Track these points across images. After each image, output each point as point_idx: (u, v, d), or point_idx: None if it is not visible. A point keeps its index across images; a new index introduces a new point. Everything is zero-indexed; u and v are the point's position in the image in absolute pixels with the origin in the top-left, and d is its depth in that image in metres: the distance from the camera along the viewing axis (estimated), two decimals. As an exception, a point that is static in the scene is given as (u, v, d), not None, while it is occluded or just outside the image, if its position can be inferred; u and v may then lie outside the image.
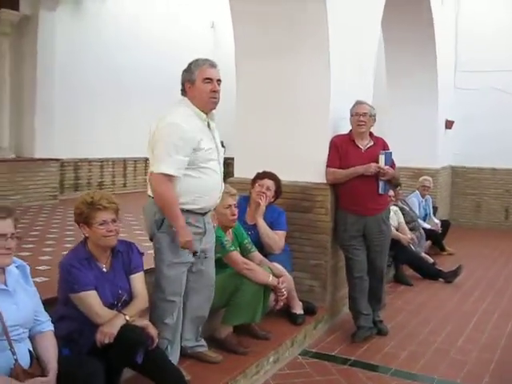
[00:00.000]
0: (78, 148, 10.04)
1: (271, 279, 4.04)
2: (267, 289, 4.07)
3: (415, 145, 9.87)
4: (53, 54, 9.28)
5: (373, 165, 4.77)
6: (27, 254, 5.03)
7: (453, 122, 10.84)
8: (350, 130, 5.02)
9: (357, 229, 4.90)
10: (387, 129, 10.00)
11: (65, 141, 9.58)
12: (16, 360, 2.45)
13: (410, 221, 7.93)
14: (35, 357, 2.61)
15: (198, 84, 3.43)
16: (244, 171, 5.23)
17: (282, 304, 4.19)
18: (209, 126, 3.53)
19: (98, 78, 10.25)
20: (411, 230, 7.77)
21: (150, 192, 3.46)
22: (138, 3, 11.10)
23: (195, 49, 12.21)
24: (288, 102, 5.19)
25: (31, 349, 2.62)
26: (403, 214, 7.65)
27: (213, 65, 3.49)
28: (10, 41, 8.88)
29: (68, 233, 6.22)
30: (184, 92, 3.53)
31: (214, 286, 3.81)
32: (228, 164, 5.38)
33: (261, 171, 4.88)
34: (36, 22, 9.01)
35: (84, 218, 3.01)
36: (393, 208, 7.42)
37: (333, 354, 4.53)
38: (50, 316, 2.85)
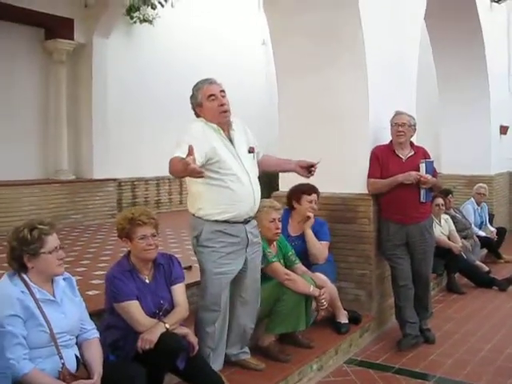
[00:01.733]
0: (134, 168, 10.38)
1: (312, 290, 4.13)
2: (309, 299, 4.17)
3: (468, 152, 9.73)
4: (106, 79, 9.69)
5: (413, 173, 4.80)
6: (83, 269, 5.34)
7: (507, 128, 10.61)
8: (391, 141, 5.07)
9: (399, 237, 4.93)
10: (441, 137, 10.01)
11: (121, 162, 9.96)
12: (63, 364, 2.67)
13: (463, 229, 7.83)
14: (82, 362, 2.82)
15: (205, 104, 3.60)
16: (289, 185, 5.30)
17: (322, 314, 4.27)
18: (230, 139, 3.64)
19: (148, 102, 10.58)
20: (464, 238, 7.67)
21: (190, 208, 3.66)
22: (187, 28, 11.37)
23: (248, 68, 12.48)
24: (328, 116, 5.29)
25: (78, 354, 2.83)
26: (455, 223, 7.56)
27: (211, 82, 3.65)
28: (66, 68, 9.33)
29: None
30: (197, 116, 3.72)
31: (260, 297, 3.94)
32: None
33: (303, 184, 4.95)
34: (90, 49, 9.44)
35: (126, 232, 3.22)
36: (443, 216, 7.37)
37: (378, 362, 4.57)
38: (98, 325, 3.07)
